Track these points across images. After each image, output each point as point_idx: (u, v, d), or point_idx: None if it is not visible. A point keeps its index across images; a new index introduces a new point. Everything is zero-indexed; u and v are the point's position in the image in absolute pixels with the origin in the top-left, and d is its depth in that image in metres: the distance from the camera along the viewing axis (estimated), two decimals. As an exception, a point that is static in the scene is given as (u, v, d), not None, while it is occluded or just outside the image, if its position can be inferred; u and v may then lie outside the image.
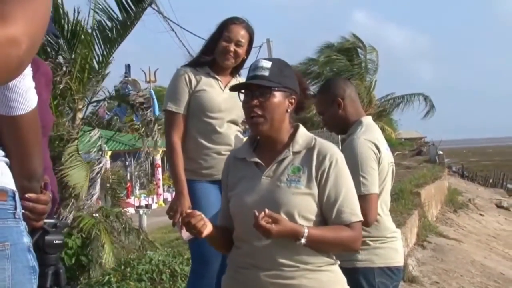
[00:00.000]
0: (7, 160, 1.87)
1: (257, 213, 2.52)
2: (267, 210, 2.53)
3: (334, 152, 2.76)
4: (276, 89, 2.73)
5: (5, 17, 1.23)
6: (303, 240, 2.59)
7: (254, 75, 2.76)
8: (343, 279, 2.80)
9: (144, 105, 9.58)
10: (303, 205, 2.67)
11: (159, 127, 9.50)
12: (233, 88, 2.95)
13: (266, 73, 2.73)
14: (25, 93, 1.86)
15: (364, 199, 3.23)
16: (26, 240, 1.84)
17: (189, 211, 2.69)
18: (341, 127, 3.67)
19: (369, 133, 3.49)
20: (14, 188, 1.84)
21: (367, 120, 3.61)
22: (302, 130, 2.85)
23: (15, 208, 1.81)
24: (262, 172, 2.77)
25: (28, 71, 1.88)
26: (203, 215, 2.67)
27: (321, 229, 2.67)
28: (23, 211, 1.89)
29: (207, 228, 2.66)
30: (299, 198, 2.67)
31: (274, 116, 2.74)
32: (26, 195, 2.04)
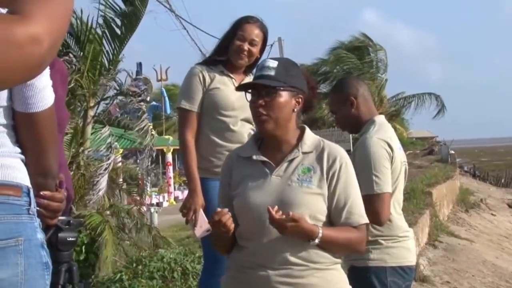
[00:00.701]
0: (22, 157, 1.89)
1: (271, 208, 2.52)
2: (290, 213, 2.54)
3: (343, 154, 2.77)
4: (281, 88, 2.73)
5: (28, 16, 1.23)
6: (316, 241, 2.59)
7: (261, 75, 2.77)
8: (345, 277, 2.82)
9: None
10: (315, 205, 2.67)
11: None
12: (239, 88, 2.96)
13: (272, 73, 2.73)
14: (42, 91, 1.88)
15: (377, 198, 3.23)
16: (40, 236, 1.85)
17: (218, 210, 2.67)
18: (354, 126, 3.66)
19: (382, 132, 3.48)
20: (29, 185, 1.86)
21: (380, 119, 3.60)
22: (309, 131, 2.86)
23: (29, 204, 1.83)
24: (270, 171, 2.76)
25: (46, 69, 1.89)
26: (229, 213, 2.67)
27: (333, 230, 2.67)
28: (37, 208, 1.91)
29: (233, 225, 2.68)
30: (310, 198, 2.67)
31: (280, 115, 2.74)
32: (41, 193, 2.04)
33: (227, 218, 2.62)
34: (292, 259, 2.64)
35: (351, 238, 2.71)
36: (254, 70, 2.97)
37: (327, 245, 2.65)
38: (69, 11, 1.40)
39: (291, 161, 2.75)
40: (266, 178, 2.75)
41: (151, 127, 9.65)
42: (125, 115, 10.49)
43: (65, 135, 8.08)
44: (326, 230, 2.62)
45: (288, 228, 2.54)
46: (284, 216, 2.53)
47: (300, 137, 2.81)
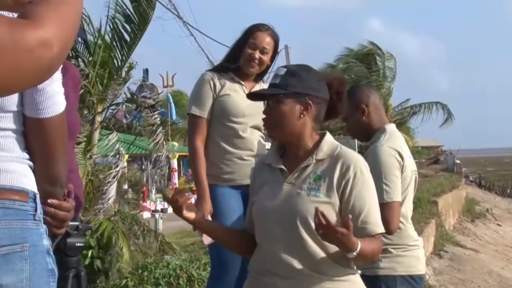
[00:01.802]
0: (30, 163, 1.88)
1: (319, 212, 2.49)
2: (345, 231, 2.47)
3: (358, 161, 2.71)
4: (282, 96, 2.70)
5: (38, 20, 1.24)
6: (354, 253, 2.55)
7: (269, 84, 2.79)
8: None
9: (155, 109, 9.61)
10: None
11: (163, 130, 9.52)
12: (250, 97, 2.99)
13: (278, 81, 2.72)
14: (53, 97, 1.87)
15: (387, 207, 3.21)
16: (46, 242, 1.84)
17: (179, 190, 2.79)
18: (365, 134, 3.65)
19: (393, 140, 3.47)
20: (36, 190, 1.84)
21: (391, 127, 3.59)
22: (328, 137, 2.80)
23: (36, 210, 1.81)
24: (284, 179, 2.75)
25: (58, 76, 1.88)
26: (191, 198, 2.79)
27: (364, 242, 2.60)
28: (44, 216, 1.89)
29: (191, 212, 2.75)
30: (317, 207, 2.64)
31: (283, 123, 2.72)
32: (49, 201, 2.02)
33: (185, 199, 2.73)
34: (302, 268, 2.62)
35: (374, 249, 2.67)
36: (267, 78, 2.98)
37: (360, 257, 2.61)
38: (78, 16, 1.40)
39: (304, 168, 2.73)
40: (279, 186, 2.74)
41: (163, 139, 9.67)
42: (134, 122, 10.52)
43: (78, 144, 8.11)
44: (362, 242, 2.57)
45: (339, 238, 2.49)
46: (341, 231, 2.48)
47: (318, 144, 2.77)
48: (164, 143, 9.65)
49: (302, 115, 2.73)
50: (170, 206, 2.82)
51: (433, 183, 19.88)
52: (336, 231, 2.46)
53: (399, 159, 3.39)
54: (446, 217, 15.35)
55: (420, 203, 13.57)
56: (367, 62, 29.15)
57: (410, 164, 3.51)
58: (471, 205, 22.13)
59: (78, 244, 2.50)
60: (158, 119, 9.81)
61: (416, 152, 42.43)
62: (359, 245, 2.54)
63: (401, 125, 34.13)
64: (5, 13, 1.65)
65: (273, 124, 2.74)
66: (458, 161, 33.19)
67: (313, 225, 2.57)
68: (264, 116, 2.80)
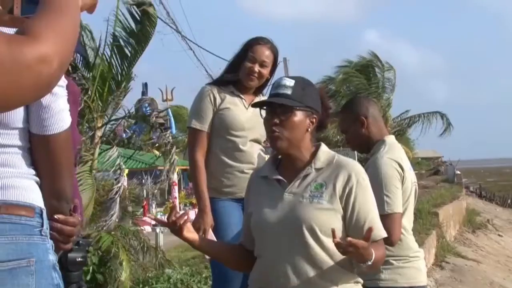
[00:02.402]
0: (37, 179, 1.89)
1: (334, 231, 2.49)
2: (363, 243, 2.47)
3: (358, 169, 2.75)
4: (297, 108, 2.73)
5: (36, 36, 1.25)
6: (369, 263, 2.56)
7: (277, 93, 2.76)
8: None
9: (164, 126, 9.62)
10: (325, 221, 2.65)
11: (177, 150, 9.52)
12: (255, 105, 2.97)
13: (289, 92, 2.73)
14: (59, 113, 1.89)
15: (388, 218, 3.21)
16: (52, 257, 1.85)
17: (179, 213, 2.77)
18: (364, 146, 3.66)
19: (393, 152, 3.48)
20: (42, 206, 1.86)
21: (391, 139, 3.60)
22: (323, 148, 2.85)
23: (42, 225, 1.82)
24: (284, 189, 2.76)
25: (63, 93, 1.90)
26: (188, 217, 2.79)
27: (376, 250, 2.61)
28: (51, 232, 1.90)
29: (190, 232, 2.79)
30: (321, 214, 2.66)
31: (294, 135, 2.74)
32: (55, 216, 2.03)
33: (182, 219, 2.74)
34: (310, 277, 2.63)
35: (381, 255, 2.70)
36: (269, 88, 2.98)
37: (375, 265, 2.62)
38: (76, 30, 1.41)
39: (304, 177, 2.75)
40: (279, 196, 2.75)
41: (176, 158, 9.67)
42: (134, 136, 10.52)
43: (85, 163, 8.10)
44: (375, 250, 2.58)
45: (360, 252, 2.49)
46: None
47: (314, 154, 2.80)
48: (175, 160, 9.63)
49: (309, 129, 2.78)
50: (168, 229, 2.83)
51: (434, 194, 19.87)
52: (358, 246, 2.46)
53: (400, 170, 3.40)
54: (447, 228, 15.32)
55: (420, 214, 13.56)
56: (366, 73, 29.10)
57: (410, 175, 3.51)
58: (472, 215, 22.10)
59: (79, 259, 2.49)
60: (170, 137, 9.80)
61: (416, 163, 42.40)
62: (374, 254, 2.55)
63: (401, 136, 34.07)
64: (4, 29, 1.66)
65: (283, 135, 2.73)
66: (458, 172, 33.18)
67: (318, 232, 2.60)
68: (266, 125, 2.80)
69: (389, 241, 3.21)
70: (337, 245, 2.47)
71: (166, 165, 9.52)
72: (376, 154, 3.47)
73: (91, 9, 1.53)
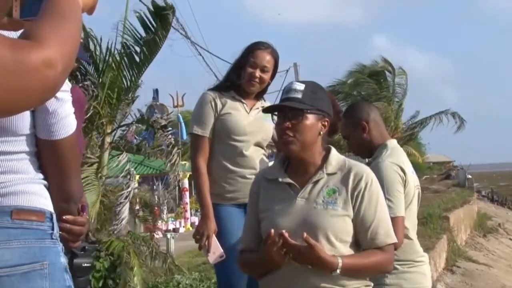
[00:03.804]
0: (46, 182, 1.95)
1: (285, 233, 2.53)
2: (304, 234, 2.54)
3: (368, 173, 2.79)
4: (308, 111, 2.74)
5: (41, 40, 1.26)
6: (338, 271, 2.59)
7: (288, 97, 2.78)
8: None
9: (167, 129, 9.62)
10: (341, 227, 2.67)
11: (179, 150, 9.52)
12: (266, 110, 2.99)
13: (299, 96, 2.75)
14: (65, 118, 1.93)
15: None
16: (63, 260, 1.91)
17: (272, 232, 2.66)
18: (366, 150, 3.67)
19: (395, 156, 3.49)
20: (52, 210, 1.91)
21: (392, 143, 3.61)
22: (334, 152, 2.86)
23: (53, 229, 1.88)
24: (296, 194, 2.77)
25: (68, 97, 1.95)
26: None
27: (355, 257, 2.66)
28: (60, 232, 1.96)
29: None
30: (336, 220, 2.67)
31: (306, 138, 2.75)
32: (64, 217, 2.10)
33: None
34: (320, 283, 2.64)
35: (377, 261, 2.71)
36: (273, 94, 3.01)
37: (351, 273, 2.65)
38: (79, 32, 1.43)
39: (315, 182, 2.76)
40: (292, 201, 2.76)
41: (179, 160, 9.67)
42: (144, 142, 10.54)
43: (91, 166, 8.14)
44: (346, 259, 2.61)
45: (303, 253, 2.54)
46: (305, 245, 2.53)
47: (325, 158, 2.82)
48: (180, 163, 9.64)
49: (321, 132, 2.79)
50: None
51: (445, 199, 19.75)
52: (295, 247, 2.54)
53: (402, 174, 3.41)
54: (458, 232, 15.23)
55: (431, 219, 13.49)
56: (377, 78, 28.98)
57: (413, 179, 3.52)
58: (483, 220, 21.95)
59: (85, 265, 2.53)
60: (172, 138, 9.81)
61: (428, 168, 42.21)
62: (340, 263, 2.57)
63: (413, 141, 33.87)
64: (6, 33, 1.69)
65: (295, 138, 2.74)
66: (470, 176, 32.97)
67: (333, 238, 2.63)
68: (278, 129, 2.82)
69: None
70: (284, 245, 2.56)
71: (167, 165, 9.52)
72: (378, 158, 3.48)
73: (90, 10, 1.56)
